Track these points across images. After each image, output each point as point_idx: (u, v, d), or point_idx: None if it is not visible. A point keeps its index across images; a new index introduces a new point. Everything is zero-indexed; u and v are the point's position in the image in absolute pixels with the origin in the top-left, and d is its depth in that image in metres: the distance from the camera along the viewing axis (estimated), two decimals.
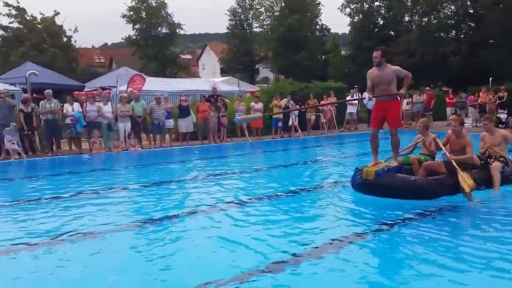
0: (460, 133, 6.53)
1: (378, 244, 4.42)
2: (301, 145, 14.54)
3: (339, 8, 35.53)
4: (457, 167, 6.13)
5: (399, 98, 6.49)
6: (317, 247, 4.25)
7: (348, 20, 35.87)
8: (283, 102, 15.99)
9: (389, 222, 5.09)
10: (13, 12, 33.94)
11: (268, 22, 38.92)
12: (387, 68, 6.27)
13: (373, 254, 4.18)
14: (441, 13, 32.65)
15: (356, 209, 5.85)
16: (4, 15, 34.09)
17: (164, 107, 13.47)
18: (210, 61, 56.03)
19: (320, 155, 12.05)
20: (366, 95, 6.53)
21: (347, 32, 38.25)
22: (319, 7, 37.39)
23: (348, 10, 35.44)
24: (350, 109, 18.07)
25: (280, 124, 16.00)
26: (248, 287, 3.40)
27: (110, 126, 12.66)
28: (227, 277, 3.54)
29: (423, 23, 33.04)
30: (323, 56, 37.89)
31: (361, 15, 35.22)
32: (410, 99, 18.38)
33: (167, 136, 14.07)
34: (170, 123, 13.78)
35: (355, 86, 19.10)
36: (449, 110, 19.28)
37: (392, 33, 34.83)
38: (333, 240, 4.44)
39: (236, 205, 6.12)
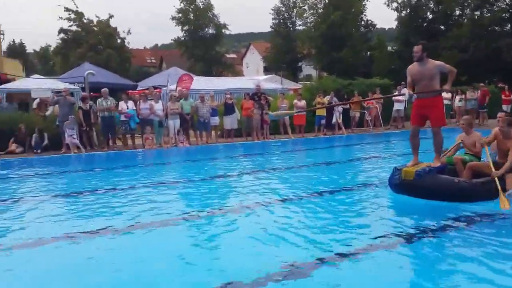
0: (508, 134, 6.10)
1: (420, 247, 4.27)
2: (344, 143, 14.52)
3: (385, 3, 34.84)
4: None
5: (448, 94, 6.32)
6: (357, 248, 4.17)
7: (395, 15, 35.07)
8: (326, 99, 16.09)
9: (432, 224, 4.90)
10: (72, 16, 35.97)
11: (312, 19, 38.82)
12: (429, 63, 6.00)
13: (415, 257, 4.07)
14: (494, 6, 31.25)
15: (398, 210, 5.72)
16: (64, 19, 36.22)
17: (209, 105, 14.04)
18: (253, 59, 56.63)
19: (364, 153, 11.85)
20: (405, 91, 6.32)
21: (393, 27, 37.45)
22: (364, 3, 36.85)
23: (395, 4, 34.60)
24: (397, 106, 17.64)
25: (323, 121, 16.03)
26: (288, 284, 3.43)
27: (161, 123, 13.40)
28: (271, 271, 3.60)
29: (475, 17, 31.75)
30: (368, 53, 37.28)
31: (408, 9, 34.33)
32: (463, 95, 17.90)
33: (212, 132, 14.64)
34: (215, 120, 14.32)
35: (402, 83, 18.80)
36: (505, 107, 18.51)
37: (442, 27, 33.72)
38: (374, 240, 4.38)
39: (278, 202, 6.15)
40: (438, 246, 4.28)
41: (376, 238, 4.44)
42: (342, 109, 16.39)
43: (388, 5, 34.89)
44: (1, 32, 39.45)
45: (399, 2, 34.50)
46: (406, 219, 5.20)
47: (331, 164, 9.92)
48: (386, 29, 48.17)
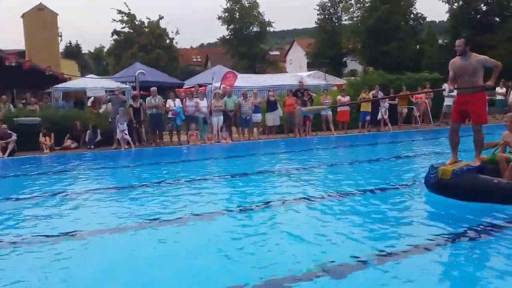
0: None
1: (462, 251, 4.12)
2: (390, 139, 14.08)
3: None
4: None
5: (503, 89, 6.07)
6: (395, 249, 4.08)
7: (446, 7, 33.73)
8: (371, 94, 15.79)
9: (475, 227, 4.69)
10: (125, 18, 37.57)
11: (358, 13, 38.11)
12: (471, 58, 5.78)
13: (456, 261, 3.94)
14: None
15: (441, 211, 5.52)
16: (117, 22, 37.87)
17: (252, 102, 14.24)
18: (297, 56, 56.35)
19: (410, 151, 11.47)
20: (446, 86, 6.10)
21: (444, 20, 36.02)
22: None
23: None
24: (448, 101, 16.71)
25: (368, 117, 15.69)
26: (324, 282, 3.44)
27: (205, 120, 13.76)
28: (304, 270, 3.62)
29: None
30: (417, 46, 36.09)
31: (461, 1, 32.93)
32: None
33: (255, 129, 14.85)
34: (258, 117, 14.47)
35: None
36: None
37: (497, 19, 32.05)
38: (413, 241, 4.26)
39: (317, 199, 6.12)
40: (480, 250, 4.12)
41: (416, 239, 4.34)
42: (388, 104, 15.97)
43: None
44: (60, 34, 41.87)
45: None
46: (449, 220, 5.03)
47: (373, 161, 9.73)
48: (437, 22, 46.35)
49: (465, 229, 4.66)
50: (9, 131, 11.94)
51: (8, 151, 11.74)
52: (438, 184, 5.91)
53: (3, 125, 12.00)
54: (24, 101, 16.29)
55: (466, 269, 3.74)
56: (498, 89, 17.98)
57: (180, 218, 5.37)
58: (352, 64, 44.71)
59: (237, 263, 3.88)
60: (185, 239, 4.61)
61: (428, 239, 4.33)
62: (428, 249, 4.09)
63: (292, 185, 7.20)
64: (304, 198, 6.19)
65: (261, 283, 3.43)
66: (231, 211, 5.69)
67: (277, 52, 58.01)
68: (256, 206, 5.87)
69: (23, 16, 39.05)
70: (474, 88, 5.85)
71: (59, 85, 19.19)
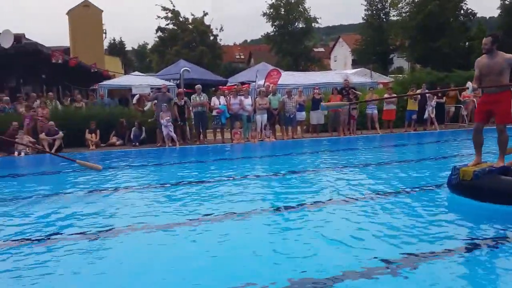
0: None
1: (496, 255, 4.01)
2: (436, 139, 13.73)
3: None
4: None
5: None
6: (426, 252, 4.02)
7: (497, 2, 32.20)
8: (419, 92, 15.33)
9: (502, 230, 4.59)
10: (169, 15, 38.12)
11: (407, 9, 36.99)
12: (498, 56, 5.66)
13: (487, 266, 3.84)
14: None
15: (476, 213, 5.39)
16: (162, 18, 38.49)
17: (296, 100, 14.08)
18: (342, 53, 55.43)
19: (455, 150, 11.19)
20: (469, 84, 5.87)
21: (495, 16, 34.35)
22: None
23: None
24: None
25: (414, 116, 15.35)
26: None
27: (249, 118, 13.75)
28: (330, 272, 3.62)
29: None
30: (467, 43, 34.63)
31: None
32: None
33: (298, 128, 14.69)
34: (302, 115, 14.33)
35: None
36: None
37: None
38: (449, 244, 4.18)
39: (357, 199, 6.09)
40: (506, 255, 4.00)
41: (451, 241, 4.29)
42: (435, 103, 15.62)
43: None
44: (104, 31, 43.10)
45: None
46: (482, 223, 4.93)
47: (417, 161, 9.57)
48: (487, 18, 44.25)
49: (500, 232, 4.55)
50: (56, 128, 12.33)
51: (55, 148, 12.08)
52: (460, 185, 5.85)
53: (51, 122, 12.39)
54: (70, 98, 16.81)
55: (496, 273, 3.69)
56: None
57: (228, 214, 5.45)
58: (399, 61, 43.53)
59: (269, 262, 3.91)
60: (224, 236, 4.66)
61: (465, 242, 4.29)
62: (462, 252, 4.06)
63: (333, 184, 7.17)
64: (345, 197, 6.20)
65: (290, 283, 3.44)
66: (271, 209, 5.73)
67: (321, 49, 57.29)
68: (292, 205, 5.87)
69: (68, 13, 40.43)
70: (500, 87, 5.70)
71: (105, 83, 19.56)
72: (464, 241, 4.33)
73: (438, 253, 3.99)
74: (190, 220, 5.29)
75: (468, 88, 5.85)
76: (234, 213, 5.52)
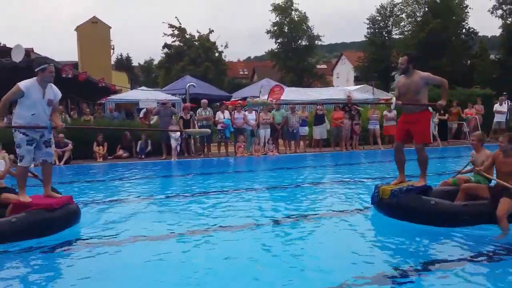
0: (508, 152, 5.19)
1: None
2: (437, 155, 13.81)
3: (489, 10, 32.51)
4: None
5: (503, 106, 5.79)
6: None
7: (499, 22, 32.58)
8: None
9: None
10: (176, 32, 38.70)
11: (409, 28, 37.42)
12: (415, 75, 5.66)
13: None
14: None
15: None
16: (168, 35, 39.06)
17: (299, 115, 14.27)
18: (344, 69, 55.88)
19: (457, 166, 11.31)
20: (394, 100, 5.88)
21: (497, 35, 34.69)
22: (466, 10, 34.61)
23: (500, 12, 32.19)
24: (498, 117, 16.59)
25: None
26: None
27: (253, 132, 13.92)
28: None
29: None
30: (469, 61, 34.94)
31: None
32: None
33: (301, 142, 14.84)
34: (304, 130, 14.51)
35: (504, 93, 17.48)
36: None
37: None
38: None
39: (358, 211, 6.22)
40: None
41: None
42: (438, 120, 15.73)
43: (492, 13, 32.56)
44: (112, 47, 43.71)
45: (505, 9, 31.98)
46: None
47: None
48: (489, 36, 44.66)
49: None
50: (65, 140, 12.52)
51: (64, 159, 12.30)
52: (379, 203, 5.89)
53: (60, 134, 12.57)
54: (76, 111, 17.05)
55: None
56: (497, 107, 16.74)
57: (230, 226, 5.53)
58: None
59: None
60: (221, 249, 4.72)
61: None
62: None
63: (335, 197, 7.30)
64: (345, 210, 6.30)
65: None
66: (272, 221, 5.81)
67: (324, 66, 57.77)
68: (291, 218, 5.95)
69: (77, 29, 41.08)
70: (418, 107, 5.66)
71: (113, 97, 19.96)
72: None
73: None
74: (196, 230, 5.41)
75: (392, 103, 5.88)
76: (238, 225, 5.58)
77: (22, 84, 5.13)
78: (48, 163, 5.51)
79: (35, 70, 5.18)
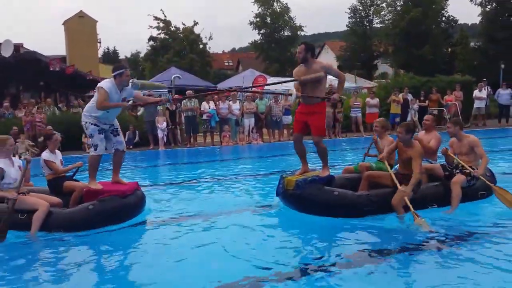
0: (408, 142, 5.27)
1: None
2: None
3: None
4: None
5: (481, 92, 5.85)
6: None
7: (478, 9, 32.86)
8: (401, 96, 15.73)
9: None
10: (161, 24, 38.37)
11: (390, 17, 37.68)
12: (314, 65, 5.43)
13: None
14: None
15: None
16: (154, 28, 38.75)
17: (282, 104, 14.40)
18: (327, 59, 55.74)
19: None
20: (293, 91, 5.51)
21: (477, 23, 35.09)
22: None
23: None
24: (478, 103, 16.82)
25: (397, 119, 15.65)
26: None
27: (238, 122, 14.03)
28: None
29: None
30: (449, 49, 35.34)
31: (494, 4, 32.01)
32: None
33: (285, 131, 14.98)
34: (288, 119, 14.63)
35: (484, 80, 17.79)
36: None
37: None
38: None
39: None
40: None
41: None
42: (418, 106, 15.95)
43: (471, 0, 32.86)
44: (99, 41, 43.27)
45: None
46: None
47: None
48: (469, 24, 45.12)
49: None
50: (54, 132, 12.48)
51: None
52: (284, 195, 5.61)
53: (48, 126, 12.57)
54: (65, 103, 17.03)
55: None
56: (476, 93, 16.91)
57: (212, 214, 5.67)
58: (383, 67, 44.20)
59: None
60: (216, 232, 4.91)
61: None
62: None
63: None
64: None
65: None
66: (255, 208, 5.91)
67: None
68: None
69: (64, 23, 40.58)
70: (316, 98, 5.47)
71: None
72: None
73: None
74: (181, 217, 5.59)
75: (291, 94, 5.48)
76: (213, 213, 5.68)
77: (106, 86, 5.26)
78: (120, 151, 5.66)
79: (113, 74, 5.37)
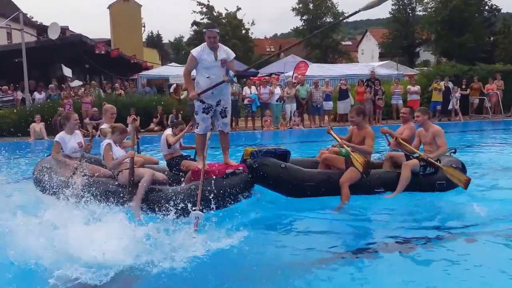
0: (360, 124, 5.34)
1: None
2: (459, 129, 13.57)
3: None
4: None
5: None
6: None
7: None
8: (443, 84, 15.16)
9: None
10: (204, 10, 38.47)
11: (433, 4, 36.11)
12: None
13: None
14: None
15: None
16: (197, 13, 38.87)
17: (323, 90, 14.14)
18: (369, 46, 54.49)
19: (479, 140, 11.02)
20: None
21: None
22: None
23: None
24: None
25: (438, 107, 15.11)
26: None
27: (279, 107, 13.92)
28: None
29: None
30: (491, 38, 33.66)
31: None
32: None
33: (325, 117, 14.75)
34: (329, 105, 14.37)
35: None
36: None
37: None
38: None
39: None
40: None
41: None
42: (460, 95, 15.38)
43: None
44: (143, 25, 43.85)
45: None
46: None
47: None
48: None
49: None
50: (99, 114, 12.82)
51: (98, 132, 12.56)
52: (245, 164, 5.31)
53: (94, 108, 12.87)
54: (110, 87, 17.37)
55: None
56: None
57: None
58: (425, 55, 42.61)
59: None
60: None
61: None
62: None
63: None
64: None
65: None
66: None
67: (349, 42, 56.37)
68: None
69: (109, 7, 41.29)
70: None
71: (145, 73, 20.15)
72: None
73: None
74: None
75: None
76: None
77: (194, 51, 5.03)
78: (225, 133, 5.42)
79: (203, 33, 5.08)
